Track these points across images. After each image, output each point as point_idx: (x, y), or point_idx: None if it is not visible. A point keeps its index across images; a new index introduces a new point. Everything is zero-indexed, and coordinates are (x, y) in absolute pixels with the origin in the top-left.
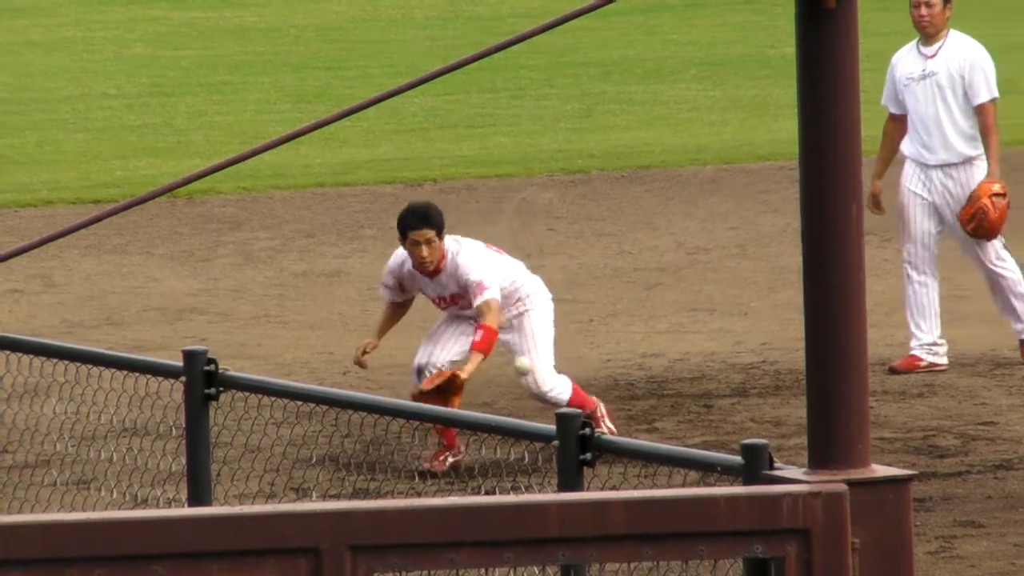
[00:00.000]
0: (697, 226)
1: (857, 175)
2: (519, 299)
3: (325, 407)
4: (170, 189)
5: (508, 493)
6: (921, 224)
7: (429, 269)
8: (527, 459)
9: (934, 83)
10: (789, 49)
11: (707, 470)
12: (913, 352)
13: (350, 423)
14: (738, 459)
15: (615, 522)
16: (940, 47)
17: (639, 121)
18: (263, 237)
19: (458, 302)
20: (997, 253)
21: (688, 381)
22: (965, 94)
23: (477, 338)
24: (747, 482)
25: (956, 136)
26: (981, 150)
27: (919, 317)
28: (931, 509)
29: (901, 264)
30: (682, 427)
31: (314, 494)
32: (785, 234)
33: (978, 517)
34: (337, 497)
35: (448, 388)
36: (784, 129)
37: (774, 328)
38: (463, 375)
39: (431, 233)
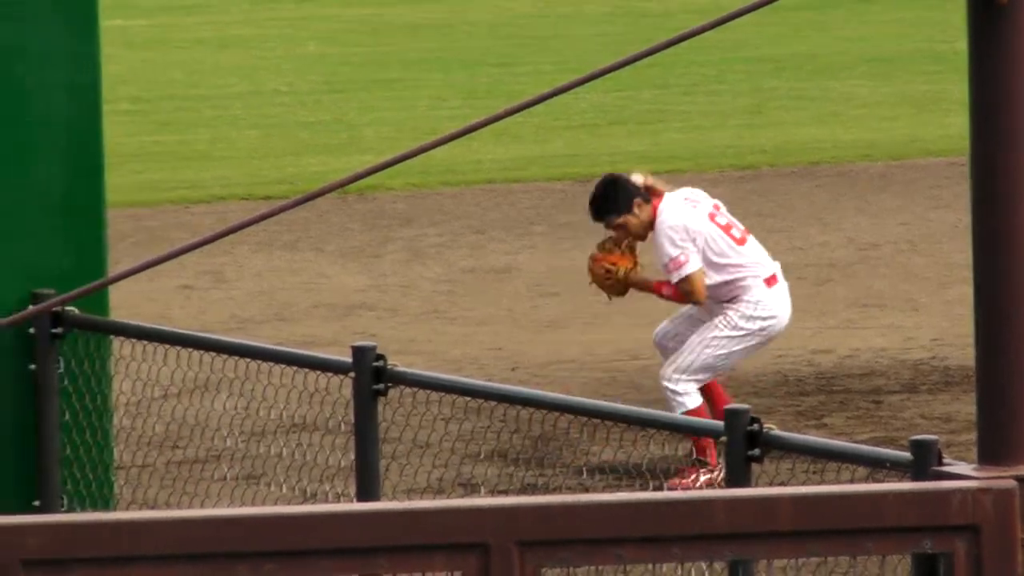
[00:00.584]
0: (868, 222)
1: None
2: (733, 298)
3: (493, 403)
4: (341, 185)
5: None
6: None
7: (643, 239)
8: (694, 455)
9: None
10: (961, 44)
11: (876, 466)
12: None
13: (518, 419)
14: (907, 455)
15: (782, 518)
16: None
17: (810, 117)
18: (432, 233)
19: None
20: None
21: (857, 377)
22: None
23: (666, 288)
24: (916, 478)
25: None
26: None
27: None
28: None
29: None
30: (851, 423)
31: (482, 490)
32: (956, 230)
33: None
34: (505, 493)
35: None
36: (955, 125)
37: (944, 324)
38: (621, 272)
39: (615, 220)
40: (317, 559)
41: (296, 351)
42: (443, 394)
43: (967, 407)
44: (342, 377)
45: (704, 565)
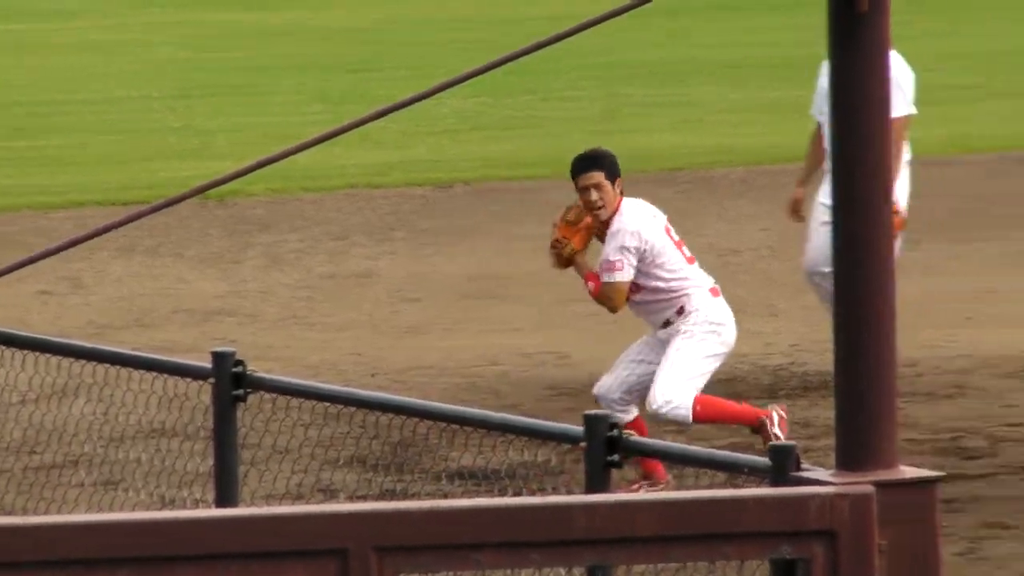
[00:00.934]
0: (727, 228)
1: (888, 177)
2: (681, 309)
3: (352, 408)
4: (202, 191)
5: (535, 495)
6: (821, 239)
7: (602, 217)
8: (554, 461)
9: None
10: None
11: (735, 472)
12: None
13: (377, 424)
14: (766, 460)
15: (642, 524)
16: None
17: (666, 123)
18: (292, 239)
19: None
20: None
21: (717, 382)
22: None
23: (592, 282)
24: (775, 483)
25: None
26: (902, 166)
27: None
28: (959, 510)
29: (805, 276)
30: (710, 428)
31: (341, 495)
32: None
33: (1006, 518)
34: (364, 498)
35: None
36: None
37: (803, 330)
38: (568, 249)
39: (596, 177)
40: (174, 565)
41: (155, 356)
42: (302, 400)
43: (825, 412)
44: (201, 383)
45: (563, 570)
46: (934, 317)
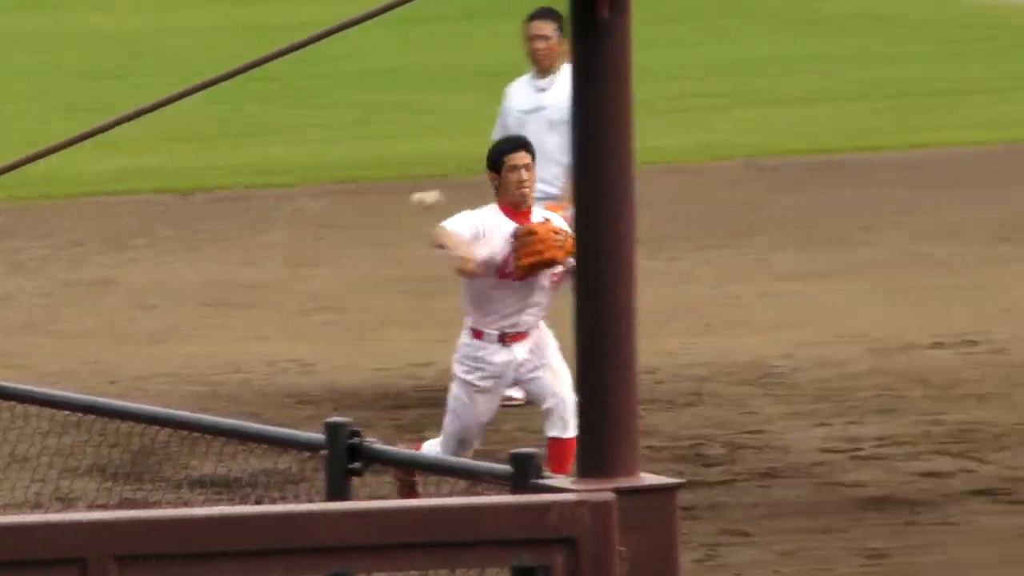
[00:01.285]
0: None
1: (630, 184)
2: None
3: (92, 417)
4: None
5: (277, 503)
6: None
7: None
8: (295, 468)
9: (545, 117)
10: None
11: (476, 479)
12: None
13: (118, 432)
14: (507, 468)
15: (382, 531)
16: (554, 81)
17: (415, 130)
18: (34, 246)
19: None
20: None
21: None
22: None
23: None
24: (515, 491)
25: (558, 171)
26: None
27: None
28: (698, 517)
29: None
30: None
31: (80, 504)
32: None
33: (744, 525)
34: (104, 507)
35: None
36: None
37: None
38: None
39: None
40: None
41: None
42: (41, 408)
43: None
44: None
45: None
46: (675, 324)
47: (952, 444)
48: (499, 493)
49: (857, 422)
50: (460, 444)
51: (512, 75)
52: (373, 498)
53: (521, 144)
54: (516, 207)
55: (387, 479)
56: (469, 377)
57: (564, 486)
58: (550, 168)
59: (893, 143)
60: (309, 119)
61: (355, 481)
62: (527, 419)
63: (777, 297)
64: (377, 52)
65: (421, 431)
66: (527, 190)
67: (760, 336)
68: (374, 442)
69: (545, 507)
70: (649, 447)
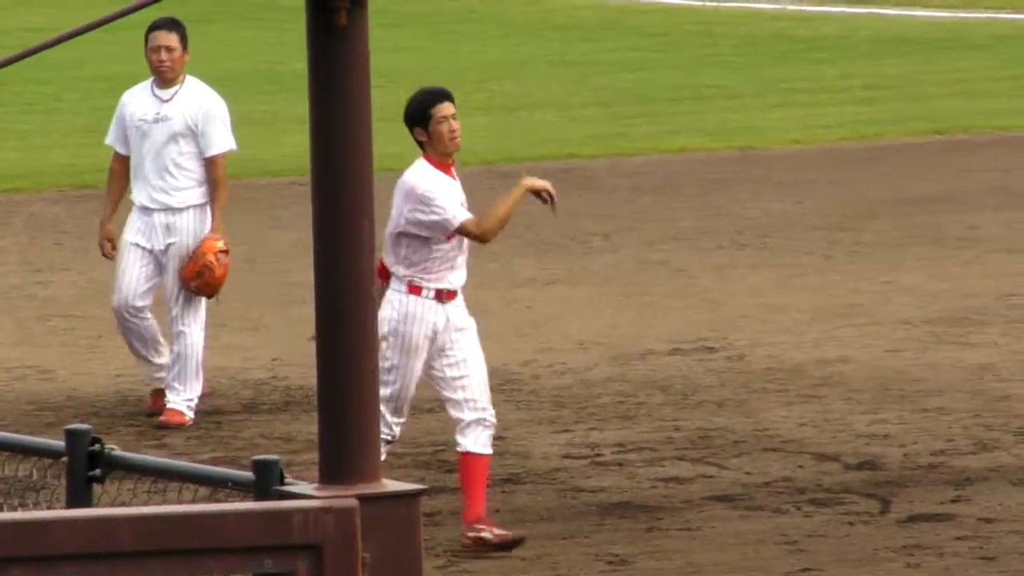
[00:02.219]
0: None
1: (369, 191)
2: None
3: None
4: None
5: (16, 510)
6: (132, 272)
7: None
8: (35, 476)
9: (168, 128)
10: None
11: (218, 485)
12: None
13: None
14: (249, 475)
15: (123, 538)
16: (176, 92)
17: None
18: None
19: None
20: (196, 306)
21: (199, 397)
22: (198, 142)
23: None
24: (258, 498)
25: (185, 183)
26: (207, 199)
27: (189, 374)
28: (440, 523)
29: (117, 317)
30: (192, 442)
31: None
32: (296, 249)
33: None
34: None
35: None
36: (293, 144)
37: (285, 344)
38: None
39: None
40: None
41: None
42: None
43: (308, 427)
44: None
45: None
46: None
47: (691, 450)
48: (242, 500)
49: (597, 428)
50: (396, 411)
51: (242, 81)
52: (114, 505)
53: (444, 94)
54: (445, 158)
55: (129, 486)
56: (406, 332)
57: (307, 493)
58: (171, 179)
59: (627, 149)
60: (41, 125)
61: (96, 488)
62: (268, 425)
63: (516, 304)
64: (106, 59)
65: (161, 438)
66: (459, 139)
67: (501, 343)
68: (114, 449)
69: (289, 514)
70: (392, 453)
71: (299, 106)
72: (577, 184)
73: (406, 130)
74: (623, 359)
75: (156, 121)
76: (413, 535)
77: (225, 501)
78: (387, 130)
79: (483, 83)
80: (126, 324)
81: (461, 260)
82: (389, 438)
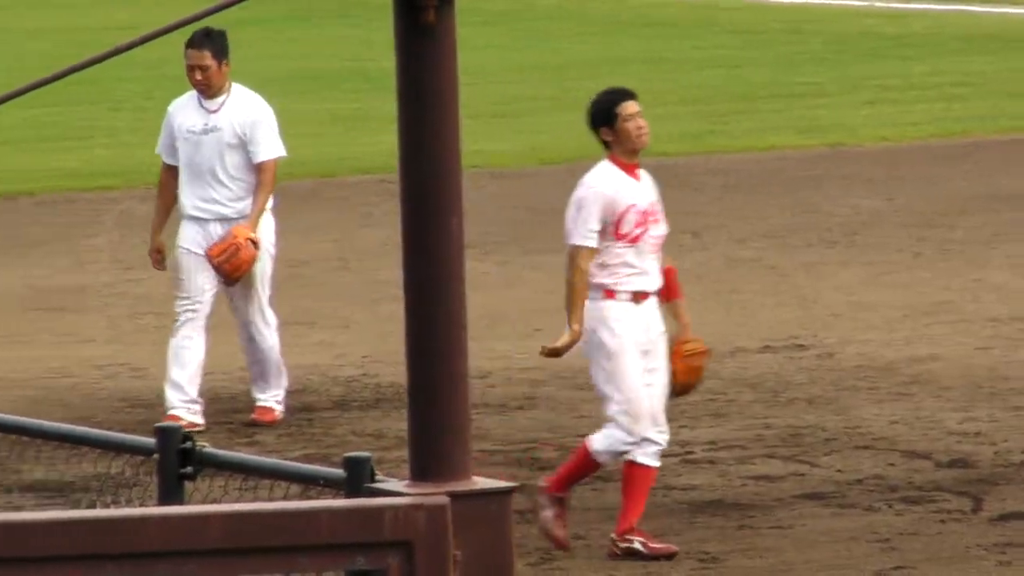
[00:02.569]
0: (297, 239)
1: (457, 189)
2: None
3: None
4: None
5: (109, 507)
6: (196, 280)
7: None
8: (127, 473)
9: (218, 138)
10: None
11: (309, 483)
12: (264, 403)
13: None
14: (340, 472)
15: (215, 535)
16: (223, 102)
17: None
18: None
19: None
20: (262, 310)
21: (289, 394)
22: (248, 150)
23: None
24: (349, 495)
25: (239, 192)
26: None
27: (271, 371)
28: (532, 521)
29: (179, 317)
30: (283, 440)
31: None
32: (386, 247)
33: (578, 529)
34: None
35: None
36: (383, 142)
37: (375, 341)
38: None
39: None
40: None
41: None
42: None
43: (398, 424)
44: None
45: None
46: (506, 328)
47: (782, 448)
48: (333, 497)
49: (688, 426)
50: (640, 420)
51: (327, 78)
52: (206, 503)
53: (629, 93)
54: (632, 157)
55: (220, 484)
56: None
57: (398, 490)
58: (224, 190)
59: (718, 146)
60: (131, 123)
61: (188, 486)
62: (359, 422)
63: None
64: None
65: (252, 435)
66: (647, 136)
67: None
68: (206, 446)
69: (380, 511)
70: (482, 451)
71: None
72: (667, 182)
73: (496, 128)
74: (713, 357)
75: (205, 132)
76: (504, 533)
77: (316, 498)
78: (475, 128)
79: (574, 80)
80: (187, 338)
81: (648, 263)
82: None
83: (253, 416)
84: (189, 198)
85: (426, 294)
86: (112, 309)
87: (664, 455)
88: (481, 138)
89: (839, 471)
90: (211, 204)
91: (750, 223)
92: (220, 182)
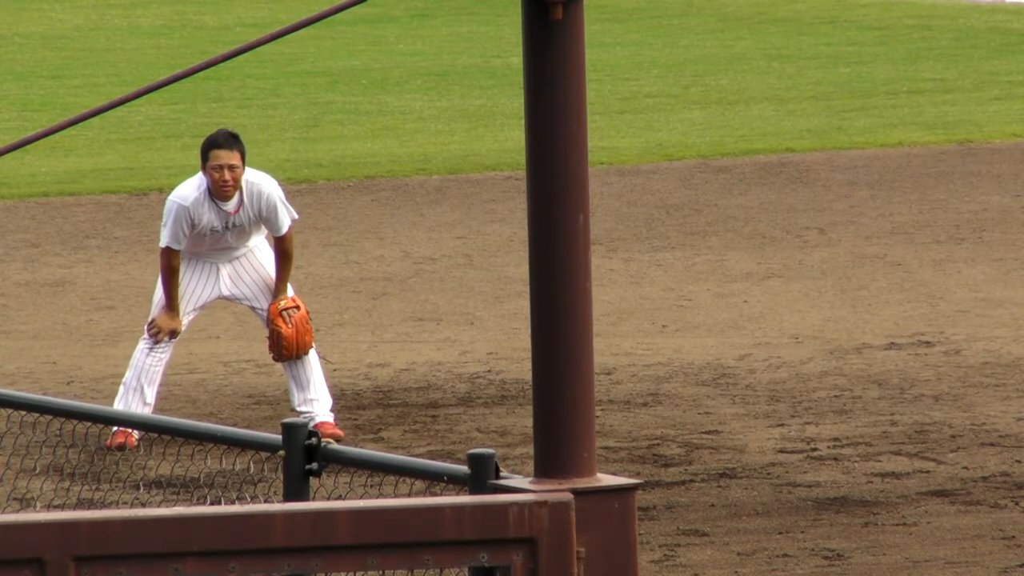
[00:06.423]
0: (424, 236)
1: (584, 185)
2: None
3: (49, 417)
4: None
5: (234, 503)
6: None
7: (230, 195)
8: (252, 469)
9: (241, 230)
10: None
11: (434, 479)
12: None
13: (74, 433)
14: (464, 469)
15: (340, 532)
16: (238, 202)
17: (365, 131)
18: None
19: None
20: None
21: (414, 391)
22: (265, 226)
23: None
24: (473, 491)
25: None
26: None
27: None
28: (655, 518)
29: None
30: (408, 436)
31: (38, 505)
32: (511, 244)
33: (701, 526)
34: (61, 507)
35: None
36: (510, 139)
37: (500, 338)
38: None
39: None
40: None
41: None
42: None
43: (523, 420)
44: None
45: None
46: (631, 325)
47: (908, 445)
48: (457, 494)
49: (813, 423)
50: None
51: (457, 75)
52: (331, 499)
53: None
54: None
55: (345, 480)
56: None
57: (522, 486)
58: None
59: (844, 143)
60: (259, 120)
61: (313, 482)
62: (484, 419)
63: (731, 298)
64: (324, 54)
65: (378, 431)
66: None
67: (716, 337)
68: (331, 443)
69: (504, 508)
70: (606, 448)
71: (516, 100)
72: (793, 178)
73: (622, 124)
74: (839, 353)
75: (227, 228)
76: (627, 529)
77: (441, 495)
78: (602, 124)
79: (700, 77)
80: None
81: None
82: None
83: (323, 433)
84: (199, 256)
85: (552, 291)
86: (237, 305)
87: (788, 451)
88: (608, 135)
89: (965, 468)
90: (224, 253)
91: (876, 220)
92: (237, 247)
